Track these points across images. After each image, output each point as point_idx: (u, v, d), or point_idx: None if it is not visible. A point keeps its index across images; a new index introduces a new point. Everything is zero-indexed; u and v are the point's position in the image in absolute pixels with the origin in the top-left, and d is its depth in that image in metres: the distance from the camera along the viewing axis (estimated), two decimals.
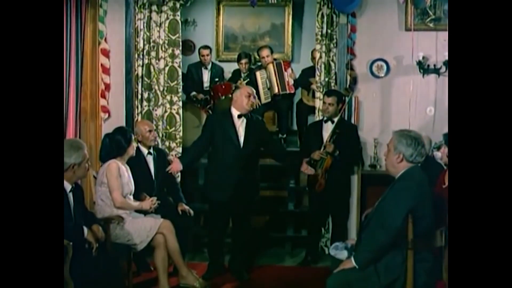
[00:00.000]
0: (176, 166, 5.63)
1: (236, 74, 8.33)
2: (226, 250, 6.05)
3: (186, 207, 5.76)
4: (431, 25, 6.22)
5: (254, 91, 5.74)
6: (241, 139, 5.56)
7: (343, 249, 4.09)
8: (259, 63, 8.26)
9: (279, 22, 9.40)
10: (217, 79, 8.20)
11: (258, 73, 7.93)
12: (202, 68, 8.39)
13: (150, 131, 5.71)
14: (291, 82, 7.84)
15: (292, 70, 7.95)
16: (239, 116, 5.59)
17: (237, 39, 9.54)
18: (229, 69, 8.73)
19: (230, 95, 7.67)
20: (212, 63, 8.50)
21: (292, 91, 7.94)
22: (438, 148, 5.50)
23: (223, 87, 7.71)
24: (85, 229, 4.33)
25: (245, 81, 8.02)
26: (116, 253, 4.86)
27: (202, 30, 9.51)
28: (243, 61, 8.16)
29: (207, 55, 8.34)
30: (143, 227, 5.06)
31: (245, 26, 9.52)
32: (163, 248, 5.10)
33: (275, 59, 8.04)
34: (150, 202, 5.22)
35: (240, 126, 5.59)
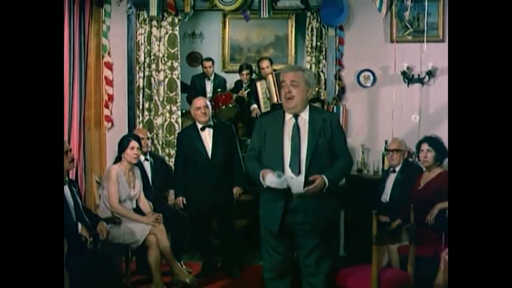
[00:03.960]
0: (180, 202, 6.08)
1: (238, 84, 8.65)
2: (218, 251, 6.35)
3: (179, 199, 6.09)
4: (410, 37, 6.52)
5: (205, 101, 5.95)
6: (209, 151, 5.87)
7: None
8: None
9: (283, 34, 9.74)
10: (219, 89, 8.50)
11: (258, 84, 8.23)
12: (205, 79, 8.72)
13: (142, 138, 6.06)
14: None
15: None
16: (202, 129, 5.90)
17: (243, 51, 9.93)
18: (235, 79, 9.03)
19: (231, 105, 8.08)
20: (215, 74, 8.84)
21: None
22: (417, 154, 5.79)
23: (223, 97, 8.06)
24: (79, 225, 4.64)
25: (246, 91, 8.36)
26: (113, 252, 5.18)
27: (208, 42, 9.93)
28: (244, 72, 8.47)
29: (210, 66, 8.67)
30: (136, 229, 5.41)
31: (250, 38, 9.90)
32: (155, 248, 5.42)
33: (274, 70, 8.35)
34: (152, 218, 5.56)
35: (207, 137, 5.89)
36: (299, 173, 4.07)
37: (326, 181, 3.97)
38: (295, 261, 4.43)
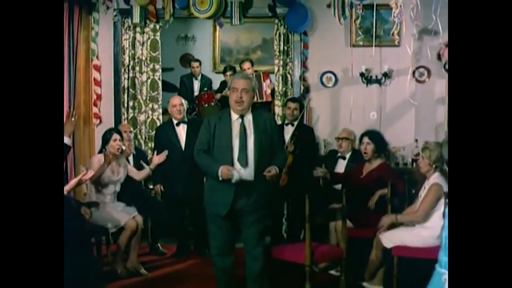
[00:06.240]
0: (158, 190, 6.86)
1: (223, 84, 9.26)
2: (192, 235, 7.02)
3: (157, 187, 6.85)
4: (361, 43, 7.15)
5: (180, 100, 6.69)
6: (183, 144, 6.61)
7: None
8: None
9: (269, 37, 10.22)
10: (205, 89, 9.16)
11: None
12: (193, 79, 9.41)
13: (125, 132, 6.70)
14: (268, 91, 8.74)
15: (270, 80, 8.87)
16: (177, 124, 6.65)
17: (232, 53, 10.61)
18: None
19: (213, 103, 8.73)
20: (202, 74, 9.51)
21: (269, 100, 8.79)
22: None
23: (206, 96, 8.68)
24: None
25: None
26: (94, 232, 5.88)
27: (200, 44, 10.63)
28: (228, 73, 9.05)
29: (197, 67, 9.37)
30: (115, 215, 6.03)
31: (239, 41, 10.56)
32: (128, 232, 6.03)
33: (255, 71, 8.98)
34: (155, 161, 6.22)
35: (182, 132, 6.64)
36: (246, 165, 4.74)
37: (278, 170, 4.80)
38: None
